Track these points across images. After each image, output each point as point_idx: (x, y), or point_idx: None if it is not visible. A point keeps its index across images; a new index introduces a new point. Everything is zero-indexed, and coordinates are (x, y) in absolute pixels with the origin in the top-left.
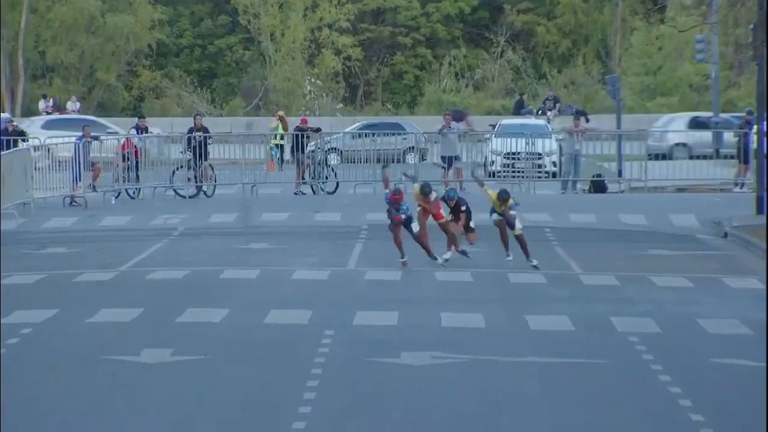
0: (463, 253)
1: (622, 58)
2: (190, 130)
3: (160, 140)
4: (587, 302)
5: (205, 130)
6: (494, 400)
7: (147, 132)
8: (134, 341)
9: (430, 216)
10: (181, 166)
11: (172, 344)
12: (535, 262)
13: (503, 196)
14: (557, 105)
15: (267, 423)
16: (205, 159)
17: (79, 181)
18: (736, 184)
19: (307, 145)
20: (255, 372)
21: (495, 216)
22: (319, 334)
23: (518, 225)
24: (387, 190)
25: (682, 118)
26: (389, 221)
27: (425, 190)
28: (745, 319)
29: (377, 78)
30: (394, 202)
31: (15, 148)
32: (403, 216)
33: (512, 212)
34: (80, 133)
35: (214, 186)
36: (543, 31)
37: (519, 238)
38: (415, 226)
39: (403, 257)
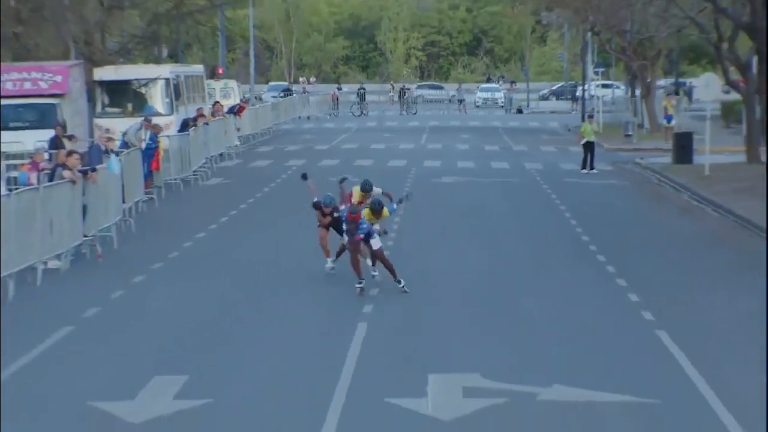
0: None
1: (531, 60)
2: (359, 89)
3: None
4: (515, 157)
5: (364, 89)
6: (482, 195)
7: (341, 90)
8: (337, 173)
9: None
10: (355, 103)
11: (352, 174)
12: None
13: (375, 207)
14: (503, 78)
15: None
16: (364, 100)
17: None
18: (573, 109)
19: (405, 94)
20: (385, 184)
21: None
22: (409, 169)
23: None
24: (344, 207)
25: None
26: (347, 239)
27: (366, 188)
28: (576, 162)
29: (433, 68)
30: (352, 221)
31: (290, 96)
32: (362, 235)
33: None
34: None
35: (368, 111)
36: (499, 49)
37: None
38: (376, 242)
39: (361, 282)
